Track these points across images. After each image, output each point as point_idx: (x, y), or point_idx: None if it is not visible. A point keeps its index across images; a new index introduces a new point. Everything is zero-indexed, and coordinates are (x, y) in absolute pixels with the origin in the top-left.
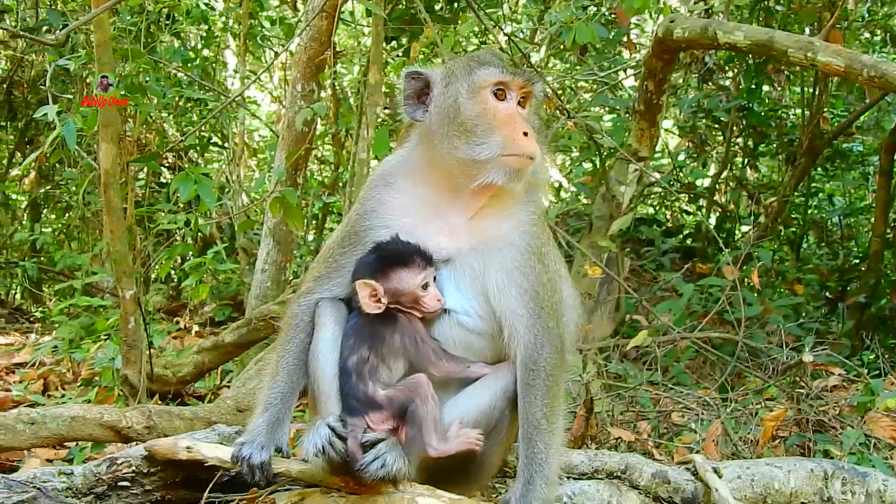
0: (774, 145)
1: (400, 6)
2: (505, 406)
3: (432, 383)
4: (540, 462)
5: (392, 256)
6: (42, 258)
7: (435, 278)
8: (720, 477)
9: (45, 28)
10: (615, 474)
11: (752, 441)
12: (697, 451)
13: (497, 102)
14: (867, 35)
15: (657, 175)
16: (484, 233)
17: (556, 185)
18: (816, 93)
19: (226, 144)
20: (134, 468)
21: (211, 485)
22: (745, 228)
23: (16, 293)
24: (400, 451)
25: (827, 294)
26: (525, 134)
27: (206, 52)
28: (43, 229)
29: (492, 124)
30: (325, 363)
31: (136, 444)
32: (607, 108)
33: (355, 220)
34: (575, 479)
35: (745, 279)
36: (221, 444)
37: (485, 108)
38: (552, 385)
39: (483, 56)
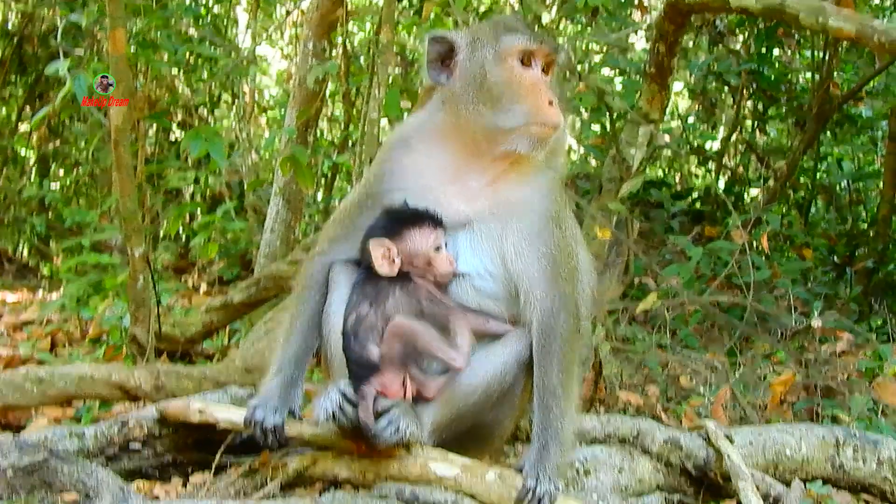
0: (784, 109)
1: None
2: (518, 371)
3: None
4: (555, 428)
5: (404, 218)
6: (50, 214)
7: (447, 243)
8: (732, 443)
9: None
10: (627, 440)
11: (760, 405)
12: (706, 416)
13: (523, 69)
14: (878, 0)
15: (667, 137)
16: (503, 197)
17: (567, 147)
18: (827, 57)
19: (236, 102)
20: (146, 430)
21: (223, 447)
22: (753, 192)
23: (23, 250)
24: (413, 415)
25: (835, 259)
26: (550, 103)
27: (216, 9)
28: (52, 185)
29: (518, 92)
30: (337, 326)
31: (144, 403)
32: (618, 71)
33: (372, 182)
34: (587, 444)
35: (754, 243)
36: (233, 406)
37: (511, 75)
38: (568, 351)
39: (509, 22)
